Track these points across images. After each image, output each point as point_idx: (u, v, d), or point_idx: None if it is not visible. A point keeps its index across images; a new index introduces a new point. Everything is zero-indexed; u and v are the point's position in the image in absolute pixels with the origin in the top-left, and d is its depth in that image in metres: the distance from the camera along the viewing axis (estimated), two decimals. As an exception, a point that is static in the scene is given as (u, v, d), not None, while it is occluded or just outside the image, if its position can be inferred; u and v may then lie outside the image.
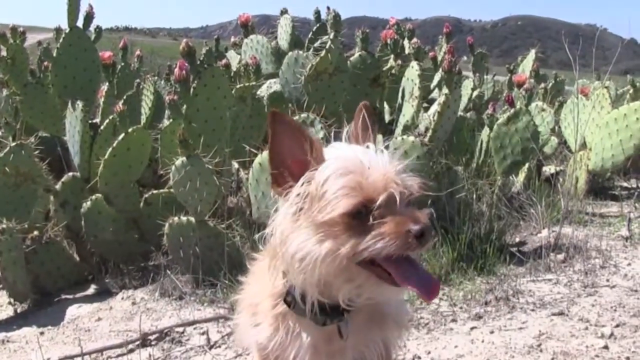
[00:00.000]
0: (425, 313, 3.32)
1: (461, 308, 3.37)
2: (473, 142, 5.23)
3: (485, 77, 8.13)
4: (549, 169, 6.18)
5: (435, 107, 4.41)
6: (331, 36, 4.30)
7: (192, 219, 3.83)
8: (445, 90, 4.08)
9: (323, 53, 4.27)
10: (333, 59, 4.30)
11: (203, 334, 3.24)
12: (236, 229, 4.11)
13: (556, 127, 6.36)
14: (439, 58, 6.95)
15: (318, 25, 6.30)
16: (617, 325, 3.01)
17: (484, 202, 4.70)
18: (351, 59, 4.54)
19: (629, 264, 3.83)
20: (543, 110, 5.29)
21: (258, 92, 4.98)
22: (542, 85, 6.14)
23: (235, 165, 4.80)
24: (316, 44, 4.47)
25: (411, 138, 3.86)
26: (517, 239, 4.51)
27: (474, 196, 4.65)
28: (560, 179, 5.84)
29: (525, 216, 4.77)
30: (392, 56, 4.84)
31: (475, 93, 6.86)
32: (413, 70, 4.21)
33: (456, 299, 3.49)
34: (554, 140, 6.49)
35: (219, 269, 3.73)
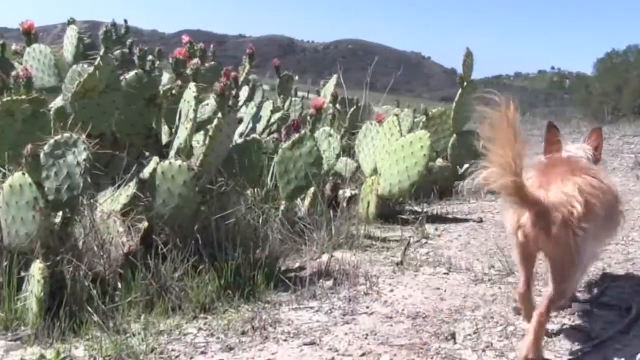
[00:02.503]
0: (180, 345, 3.21)
1: (218, 339, 3.28)
2: (262, 165, 5.21)
3: (293, 99, 8.24)
4: (345, 193, 6.32)
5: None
6: (101, 53, 4.11)
7: None
8: (218, 114, 4.01)
9: (91, 70, 4.08)
10: (102, 77, 4.11)
11: None
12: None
13: (358, 152, 6.52)
14: (241, 79, 6.96)
15: (114, 38, 6.08)
16: (363, 354, 3.05)
17: (269, 227, 4.68)
18: (127, 77, 4.37)
19: (392, 291, 3.92)
20: (330, 135, 5.38)
21: (52, 105, 4.67)
22: (331, 111, 6.27)
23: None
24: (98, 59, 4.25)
25: (178, 162, 3.75)
26: (298, 264, 4.53)
27: (260, 221, 4.63)
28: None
29: (308, 241, 4.79)
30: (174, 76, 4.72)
31: (278, 115, 6.92)
32: (190, 92, 4.11)
33: (217, 328, 3.41)
34: (353, 164, 6.66)
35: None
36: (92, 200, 4.07)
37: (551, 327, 3.29)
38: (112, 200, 4.19)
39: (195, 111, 4.01)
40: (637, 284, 3.89)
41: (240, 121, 7.04)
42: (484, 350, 3.05)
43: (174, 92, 4.67)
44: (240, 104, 7.30)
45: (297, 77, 9.21)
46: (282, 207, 4.90)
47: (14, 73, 4.57)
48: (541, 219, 2.78)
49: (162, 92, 4.70)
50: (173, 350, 3.15)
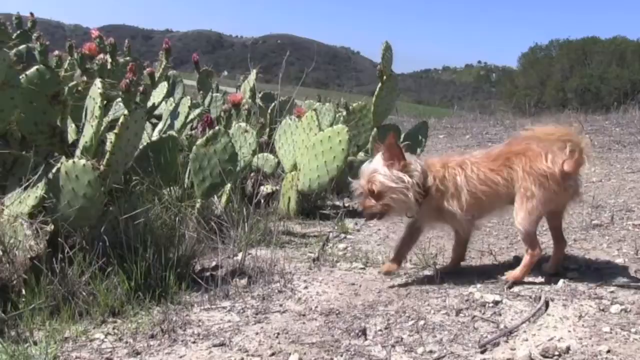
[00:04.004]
0: (85, 351, 3.09)
1: (126, 343, 3.17)
2: (177, 163, 5.09)
3: (214, 94, 8.12)
4: (265, 189, 6.25)
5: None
6: (-5, 47, 3.92)
7: None
8: (124, 111, 3.88)
9: (-16, 66, 3.87)
10: (-1, 73, 3.90)
11: None
12: None
13: (278, 147, 6.47)
14: (158, 74, 6.80)
15: (19, 32, 5.84)
16: (273, 354, 2.99)
17: (184, 225, 4.57)
18: (27, 73, 4.16)
19: (306, 287, 3.88)
20: (246, 131, 5.29)
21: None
22: (246, 106, 6.15)
23: None
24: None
25: (82, 161, 3.61)
26: (214, 263, 4.44)
27: (176, 219, 4.52)
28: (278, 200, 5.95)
29: (225, 239, 4.70)
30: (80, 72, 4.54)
31: (198, 111, 6.79)
32: (95, 89, 3.96)
33: (125, 332, 3.29)
34: (273, 159, 6.59)
35: None
36: (-4, 203, 3.89)
37: (461, 319, 3.31)
38: (19, 202, 4.00)
39: (101, 108, 3.86)
40: (548, 273, 3.95)
41: (160, 118, 6.89)
42: (393, 346, 3.04)
43: (79, 88, 4.49)
44: (159, 100, 7.14)
45: (225, 72, 9.06)
46: (197, 205, 4.80)
47: None
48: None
49: (67, 89, 4.51)
50: (77, 358, 3.03)
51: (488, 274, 3.97)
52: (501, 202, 3.83)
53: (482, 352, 2.96)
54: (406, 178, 3.61)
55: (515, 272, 3.78)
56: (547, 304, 3.40)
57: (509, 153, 3.73)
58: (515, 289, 3.67)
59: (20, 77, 4.08)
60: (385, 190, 3.63)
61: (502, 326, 3.20)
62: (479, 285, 3.76)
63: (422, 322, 3.26)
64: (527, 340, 3.05)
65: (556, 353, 2.90)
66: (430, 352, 2.96)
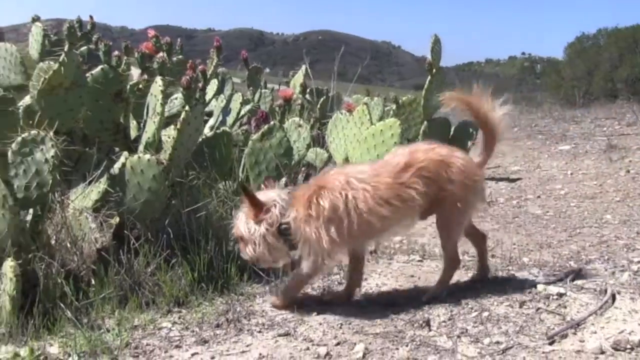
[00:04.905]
0: (154, 339, 3.19)
1: (193, 332, 3.27)
2: (232, 157, 5.18)
3: (263, 90, 8.21)
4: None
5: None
6: (66, 48, 4.04)
7: None
8: (185, 107, 3.97)
9: (56, 66, 4.00)
10: (67, 73, 4.03)
11: None
12: None
13: (329, 141, 6.52)
14: (209, 72, 6.91)
15: (80, 34, 6.00)
16: (338, 344, 3.05)
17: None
18: (92, 72, 4.28)
19: (365, 279, 3.91)
20: (300, 126, 5.35)
21: (20, 103, 4.59)
22: (299, 101, 6.23)
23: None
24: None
25: (147, 156, 3.72)
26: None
27: (232, 213, 4.61)
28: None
29: (281, 232, 4.76)
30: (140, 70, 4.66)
31: (248, 107, 6.88)
32: (156, 86, 4.07)
33: (190, 322, 3.39)
34: (324, 153, 6.65)
35: None
36: (63, 197, 4.02)
37: (525, 311, 3.32)
38: (84, 197, 4.14)
39: (163, 105, 3.97)
40: (612, 266, 3.93)
41: (210, 114, 7.00)
42: (458, 336, 3.07)
43: (140, 86, 4.61)
44: (210, 97, 7.26)
45: (267, 69, 9.16)
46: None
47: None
48: None
49: (129, 87, 4.63)
50: (147, 345, 3.13)
51: (549, 266, 3.96)
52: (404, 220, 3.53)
53: (550, 344, 2.96)
54: (254, 228, 3.33)
55: None
56: (613, 297, 3.37)
57: (420, 162, 3.37)
58: (579, 281, 3.65)
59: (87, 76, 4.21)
60: (243, 239, 3.40)
61: (568, 318, 3.20)
62: (540, 278, 3.75)
63: (486, 314, 3.28)
64: (595, 332, 3.04)
65: (628, 346, 2.88)
66: (497, 342, 2.99)
